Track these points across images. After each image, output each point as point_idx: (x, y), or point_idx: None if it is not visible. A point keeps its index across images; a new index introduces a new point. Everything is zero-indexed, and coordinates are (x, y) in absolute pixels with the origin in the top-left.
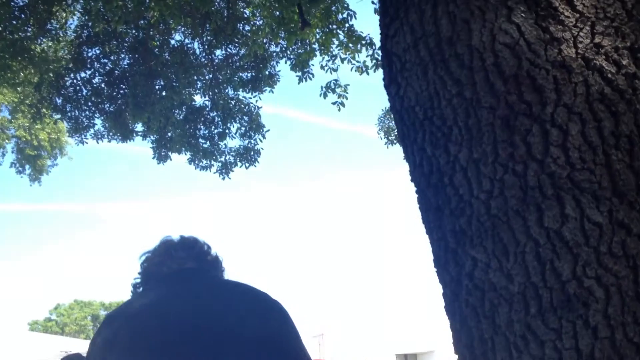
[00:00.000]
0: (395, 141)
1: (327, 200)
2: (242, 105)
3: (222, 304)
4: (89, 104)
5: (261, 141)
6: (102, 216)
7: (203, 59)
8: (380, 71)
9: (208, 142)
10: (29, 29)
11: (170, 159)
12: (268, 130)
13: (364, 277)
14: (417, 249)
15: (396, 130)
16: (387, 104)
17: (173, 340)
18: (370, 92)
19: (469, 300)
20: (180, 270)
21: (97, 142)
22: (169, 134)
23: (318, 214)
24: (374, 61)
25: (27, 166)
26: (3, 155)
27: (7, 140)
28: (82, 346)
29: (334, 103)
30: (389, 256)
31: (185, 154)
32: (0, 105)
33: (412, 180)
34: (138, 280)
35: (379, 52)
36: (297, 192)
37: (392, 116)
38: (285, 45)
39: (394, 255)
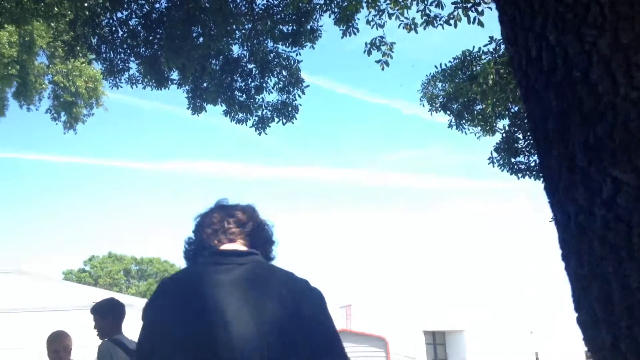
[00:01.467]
0: (439, 108)
1: (365, 173)
2: (281, 59)
3: (261, 307)
4: (125, 46)
5: (300, 97)
6: (138, 173)
7: (243, 8)
8: (426, 31)
9: (244, 95)
10: None
11: (205, 110)
12: (307, 86)
13: (395, 250)
14: (451, 224)
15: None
16: (428, 70)
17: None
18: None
19: (607, 236)
20: (230, 257)
21: (132, 87)
22: (205, 84)
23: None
24: (424, 17)
25: (62, 113)
26: (40, 100)
27: (44, 86)
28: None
29: (377, 61)
30: (422, 231)
31: (221, 106)
32: (39, 50)
33: (520, 82)
34: (191, 247)
35: (431, 7)
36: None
37: (435, 83)
38: None
39: (426, 230)
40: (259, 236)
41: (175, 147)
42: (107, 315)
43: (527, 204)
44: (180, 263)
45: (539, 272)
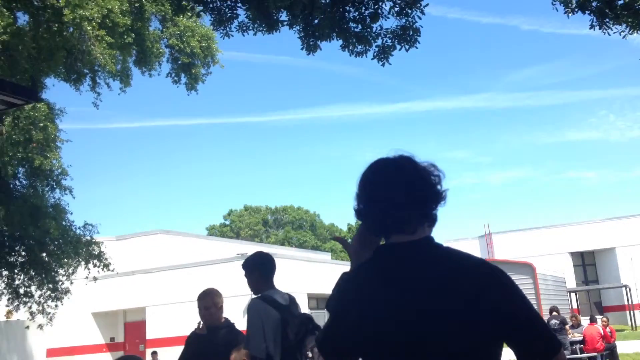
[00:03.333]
0: (577, 9)
1: None
2: None
3: (436, 305)
4: None
5: (420, 18)
6: (258, 127)
7: None
8: None
9: (360, 25)
10: None
11: (320, 49)
12: (427, 5)
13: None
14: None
15: None
16: None
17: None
18: None
19: None
20: (400, 251)
21: (243, 35)
22: (316, 20)
23: None
24: None
25: (182, 75)
26: (159, 65)
27: (161, 51)
28: (255, 249)
29: None
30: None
31: (337, 40)
32: (150, 16)
33: None
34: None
35: None
36: None
37: None
38: None
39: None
40: (428, 205)
41: (291, 97)
42: (254, 270)
43: None
44: (315, 209)
45: None
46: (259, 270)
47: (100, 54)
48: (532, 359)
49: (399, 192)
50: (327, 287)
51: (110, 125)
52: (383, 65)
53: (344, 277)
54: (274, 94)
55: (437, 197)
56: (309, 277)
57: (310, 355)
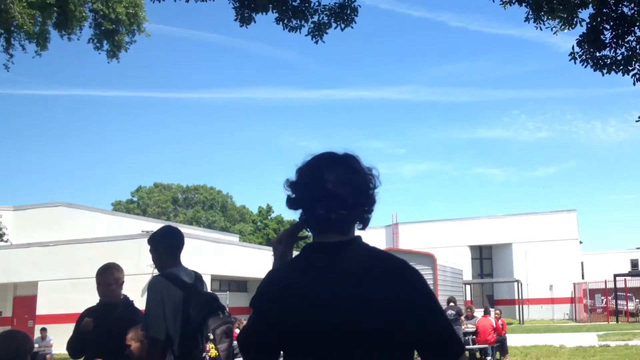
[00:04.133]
0: (514, 1)
1: None
2: None
3: (357, 294)
4: None
5: None
6: (179, 103)
7: None
8: None
9: (297, 0)
10: None
11: (255, 21)
12: None
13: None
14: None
15: None
16: None
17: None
18: None
19: None
20: (327, 247)
21: (175, 0)
22: None
23: None
24: None
25: (105, 42)
26: (81, 30)
27: (84, 15)
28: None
29: None
30: (466, 145)
31: (272, 13)
32: None
33: None
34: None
35: None
36: None
37: None
38: None
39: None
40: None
41: (216, 76)
42: (160, 246)
43: (580, 115)
44: (228, 190)
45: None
46: (165, 245)
47: (19, 13)
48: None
49: (349, 192)
50: (232, 269)
51: (20, 91)
52: (317, 42)
53: (271, 273)
54: (198, 71)
55: (375, 201)
56: (215, 258)
57: (211, 336)
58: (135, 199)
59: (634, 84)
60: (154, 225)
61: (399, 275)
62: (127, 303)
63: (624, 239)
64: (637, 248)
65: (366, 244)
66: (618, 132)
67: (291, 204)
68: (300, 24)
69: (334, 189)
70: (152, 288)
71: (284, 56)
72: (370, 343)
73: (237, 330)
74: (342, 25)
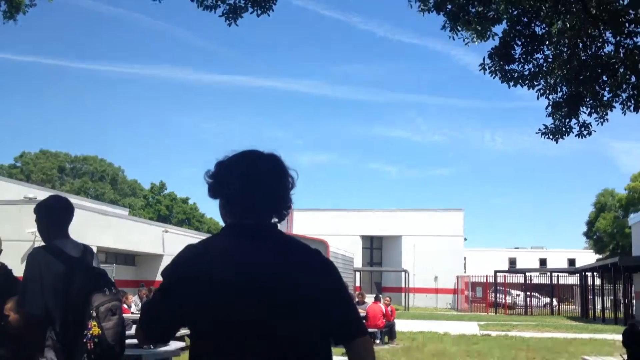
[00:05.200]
0: (432, 8)
1: None
2: None
3: (284, 267)
4: None
5: None
6: (76, 73)
7: None
8: None
9: None
10: None
11: None
12: None
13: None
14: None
15: None
16: None
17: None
18: None
19: None
20: (250, 228)
21: None
22: None
23: None
24: None
25: (2, 3)
26: None
27: None
28: (47, 194)
29: None
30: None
31: None
32: None
33: None
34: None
35: None
36: None
37: None
38: None
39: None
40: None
41: (120, 49)
42: (45, 216)
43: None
44: (120, 163)
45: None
46: (51, 216)
47: None
48: (342, 339)
49: (273, 185)
50: (120, 243)
51: None
52: (230, 25)
53: (190, 247)
54: (101, 43)
55: (291, 200)
56: (103, 231)
57: (94, 314)
58: (18, 164)
59: (538, 98)
60: (38, 192)
61: (317, 258)
62: (6, 272)
63: (504, 239)
64: (515, 248)
65: (281, 231)
66: (505, 143)
67: (213, 192)
68: (215, 3)
69: (260, 179)
70: (31, 261)
71: (195, 39)
72: (289, 316)
73: (124, 306)
74: (259, 11)
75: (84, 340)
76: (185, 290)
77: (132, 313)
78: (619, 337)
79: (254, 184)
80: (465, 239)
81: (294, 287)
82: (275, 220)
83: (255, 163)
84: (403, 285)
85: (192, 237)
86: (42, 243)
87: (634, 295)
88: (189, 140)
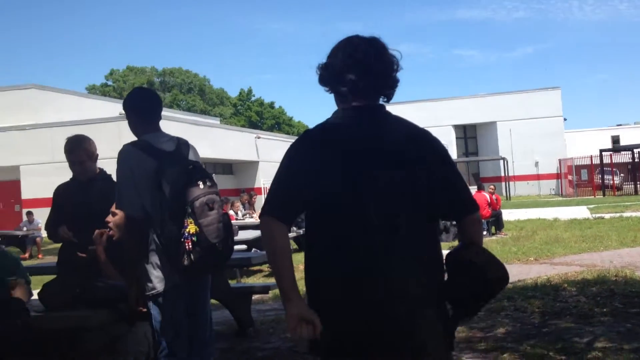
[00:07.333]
0: None
1: None
2: None
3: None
4: None
5: None
6: None
7: None
8: None
9: None
10: None
11: None
12: None
13: None
14: None
15: None
16: None
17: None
18: None
19: None
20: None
21: None
22: None
23: None
24: None
25: None
26: None
27: None
28: None
29: None
30: None
31: None
32: None
33: None
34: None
35: None
36: None
37: None
38: None
39: None
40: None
41: None
42: (130, 111)
43: None
44: (205, 73)
45: None
46: (137, 110)
47: None
48: (454, 215)
49: (380, 66)
50: (217, 152)
51: None
52: None
53: (310, 132)
54: None
55: (398, 80)
56: (199, 142)
57: (190, 210)
58: (110, 82)
59: None
60: None
61: (432, 139)
62: (106, 177)
63: (604, 116)
64: (618, 125)
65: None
66: (595, 11)
67: (323, 80)
68: None
69: (365, 61)
70: (121, 160)
71: None
72: (416, 184)
73: (231, 212)
74: None
75: (181, 239)
76: (303, 176)
77: (237, 219)
78: None
79: (360, 66)
80: (565, 120)
81: (418, 152)
82: (384, 100)
83: (359, 46)
84: (502, 174)
85: (285, 141)
86: None
87: None
88: (264, 43)
